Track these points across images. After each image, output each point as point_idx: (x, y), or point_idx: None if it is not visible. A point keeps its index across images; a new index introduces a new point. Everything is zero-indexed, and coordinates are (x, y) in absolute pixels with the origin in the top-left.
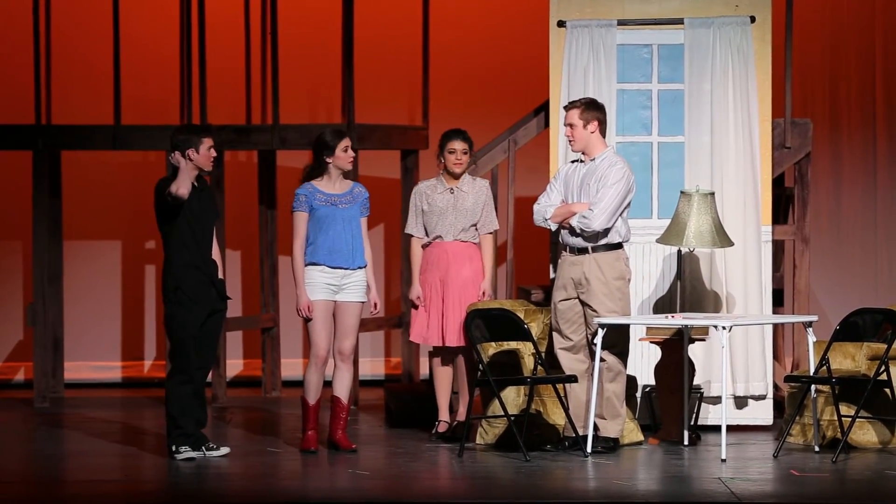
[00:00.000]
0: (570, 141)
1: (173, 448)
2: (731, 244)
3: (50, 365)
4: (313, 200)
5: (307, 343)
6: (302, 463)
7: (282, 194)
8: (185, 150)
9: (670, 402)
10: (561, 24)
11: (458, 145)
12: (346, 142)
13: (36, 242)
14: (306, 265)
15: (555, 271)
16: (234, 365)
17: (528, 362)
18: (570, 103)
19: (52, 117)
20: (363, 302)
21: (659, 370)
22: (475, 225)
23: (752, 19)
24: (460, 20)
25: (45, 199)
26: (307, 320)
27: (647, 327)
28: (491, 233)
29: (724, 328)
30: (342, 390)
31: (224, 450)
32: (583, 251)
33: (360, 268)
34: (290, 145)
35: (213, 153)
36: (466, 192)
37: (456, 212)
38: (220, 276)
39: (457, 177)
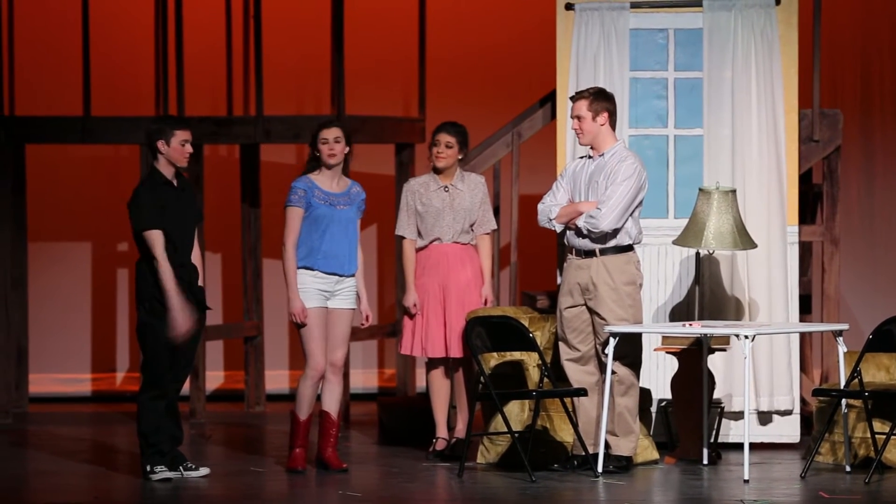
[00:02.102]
0: (577, 134)
1: (148, 468)
2: (755, 246)
3: (13, 377)
4: (311, 197)
5: (294, 353)
6: (288, 484)
7: (266, 191)
8: (155, 140)
9: (688, 418)
10: (569, 6)
11: (441, 137)
12: (325, 132)
13: None
14: (298, 268)
15: (561, 276)
16: (215, 377)
17: (534, 374)
18: (577, 94)
19: (15, 108)
20: (354, 309)
21: (676, 383)
22: (472, 225)
23: (777, 1)
24: (460, 2)
25: (8, 197)
26: (299, 326)
27: (663, 336)
28: (489, 233)
29: (746, 337)
30: (332, 405)
31: (203, 470)
32: (590, 254)
33: (352, 274)
34: (274, 138)
35: (189, 148)
36: (462, 190)
37: (454, 212)
38: (200, 282)
39: (444, 172)
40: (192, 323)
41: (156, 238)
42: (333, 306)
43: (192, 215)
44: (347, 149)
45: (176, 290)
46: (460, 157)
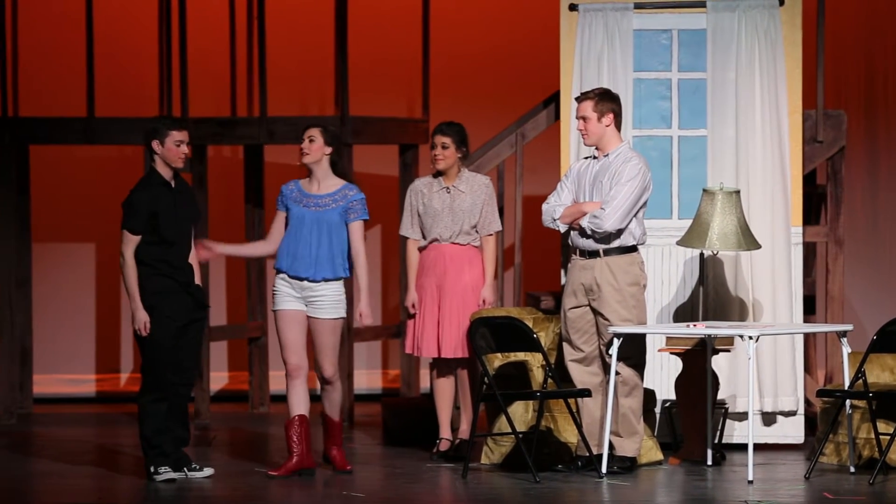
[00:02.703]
0: (582, 135)
1: (152, 469)
2: (759, 247)
3: (17, 378)
4: (289, 199)
5: None
6: (292, 485)
7: (270, 192)
8: (150, 140)
9: (692, 419)
10: (573, 7)
11: (437, 139)
12: (305, 133)
13: (2, 244)
14: (276, 272)
15: (565, 276)
16: (219, 378)
17: (538, 375)
18: (582, 94)
19: (19, 109)
20: (339, 318)
21: (680, 384)
22: (476, 226)
23: (781, 2)
24: (463, 3)
25: (12, 198)
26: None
27: (667, 337)
28: (492, 234)
29: (750, 338)
30: (332, 409)
31: (208, 470)
32: (594, 255)
33: (326, 280)
34: (278, 139)
35: (184, 149)
36: (464, 192)
37: (452, 213)
38: (197, 281)
39: (447, 173)
40: (148, 326)
41: (130, 239)
42: (313, 315)
43: (189, 216)
44: (329, 149)
45: (136, 291)
46: (460, 156)
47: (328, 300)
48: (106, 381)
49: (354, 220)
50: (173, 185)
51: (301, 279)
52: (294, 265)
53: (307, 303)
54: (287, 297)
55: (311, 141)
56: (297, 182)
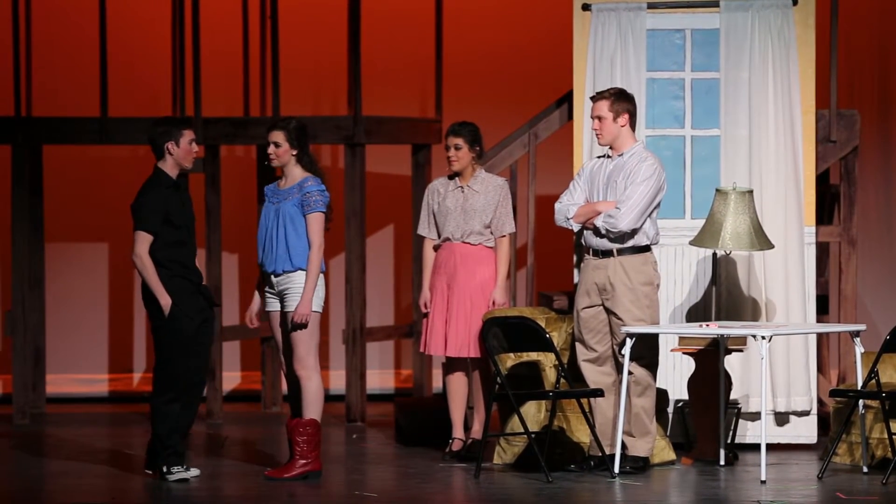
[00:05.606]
0: (597, 135)
1: (164, 469)
2: (772, 246)
3: (30, 378)
4: (266, 198)
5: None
6: (304, 484)
7: None
8: (163, 143)
9: (705, 419)
10: (586, 7)
11: (450, 141)
12: (269, 136)
13: (15, 245)
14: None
15: (579, 276)
16: (231, 378)
17: (550, 375)
18: (597, 94)
19: (32, 108)
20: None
21: (692, 383)
22: (489, 227)
23: (795, 1)
24: (477, 3)
25: (25, 198)
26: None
27: (680, 337)
28: (505, 236)
29: (763, 338)
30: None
31: (194, 471)
32: (607, 254)
33: (285, 272)
34: None
35: (195, 147)
36: (477, 191)
37: (464, 213)
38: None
39: (461, 174)
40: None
41: (145, 239)
42: (287, 309)
43: (192, 216)
44: (295, 151)
45: (159, 282)
46: (474, 156)
47: (292, 291)
48: (119, 381)
49: (308, 212)
50: (179, 185)
51: (265, 271)
52: (263, 260)
53: (280, 297)
54: (266, 294)
55: (276, 146)
56: (276, 183)
